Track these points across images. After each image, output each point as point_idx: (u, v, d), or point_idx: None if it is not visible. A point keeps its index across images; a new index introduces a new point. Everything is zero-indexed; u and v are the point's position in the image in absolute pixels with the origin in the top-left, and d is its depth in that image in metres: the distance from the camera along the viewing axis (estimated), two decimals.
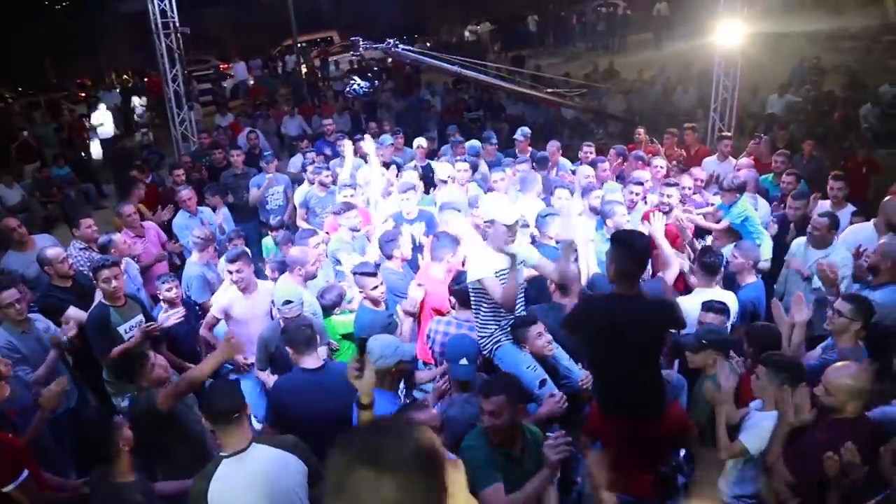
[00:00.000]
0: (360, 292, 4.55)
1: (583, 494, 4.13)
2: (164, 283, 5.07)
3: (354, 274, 4.57)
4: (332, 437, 1.31)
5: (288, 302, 4.33)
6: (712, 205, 6.30)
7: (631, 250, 3.21)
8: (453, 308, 4.39)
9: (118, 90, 20.80)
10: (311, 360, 3.68)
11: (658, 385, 3.38)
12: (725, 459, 3.41)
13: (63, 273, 5.02)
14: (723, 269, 4.99)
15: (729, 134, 8.45)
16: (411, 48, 12.55)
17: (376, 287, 4.44)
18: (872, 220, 5.55)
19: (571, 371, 4.09)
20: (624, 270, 3.23)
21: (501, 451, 2.94)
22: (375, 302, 4.49)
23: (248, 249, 5.93)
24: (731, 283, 5.07)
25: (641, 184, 6.38)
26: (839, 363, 3.08)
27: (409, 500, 1.18)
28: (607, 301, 3.35)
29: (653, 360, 3.37)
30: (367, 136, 6.75)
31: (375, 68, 20.15)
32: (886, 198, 5.43)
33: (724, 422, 3.37)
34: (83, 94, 22.18)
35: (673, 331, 3.70)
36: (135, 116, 16.54)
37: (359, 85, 16.10)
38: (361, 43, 9.87)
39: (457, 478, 1.38)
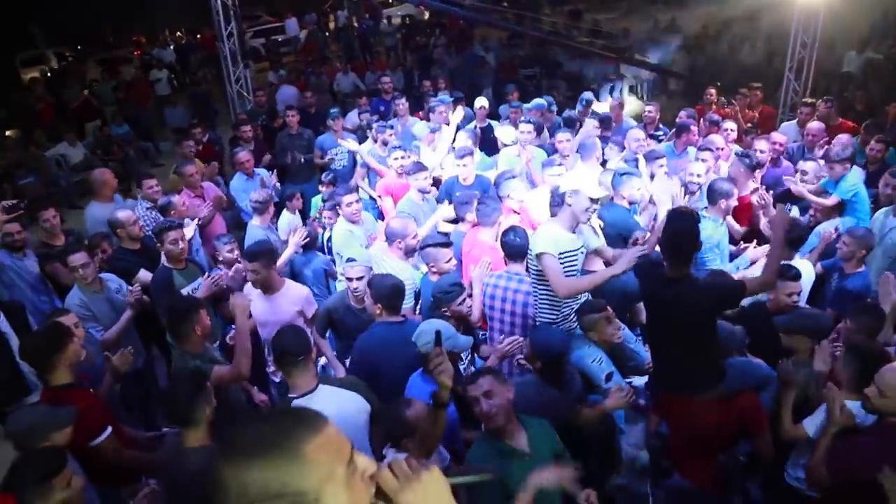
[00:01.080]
0: (430, 266, 4.28)
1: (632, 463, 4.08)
2: (225, 244, 5.04)
3: (424, 247, 4.35)
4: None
5: (351, 259, 4.27)
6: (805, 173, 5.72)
7: (671, 232, 3.12)
8: (506, 263, 4.25)
9: (172, 47, 20.91)
10: (395, 315, 3.72)
11: (707, 366, 3.24)
12: (786, 440, 3.25)
13: (134, 235, 5.08)
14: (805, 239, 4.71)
15: (811, 100, 7.84)
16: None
17: (449, 260, 4.23)
18: None
19: (638, 353, 3.97)
20: (669, 252, 3.14)
21: (503, 445, 2.67)
22: (443, 275, 4.28)
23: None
24: (834, 271, 4.70)
25: (711, 150, 6.07)
26: (893, 365, 2.76)
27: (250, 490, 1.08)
28: (658, 281, 3.24)
29: (699, 342, 3.20)
30: (458, 107, 6.55)
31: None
32: None
33: (790, 401, 3.24)
34: (137, 52, 22.47)
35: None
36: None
37: None
38: None
39: (413, 486, 1.20)
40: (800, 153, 6.60)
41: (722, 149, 6.25)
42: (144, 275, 4.84)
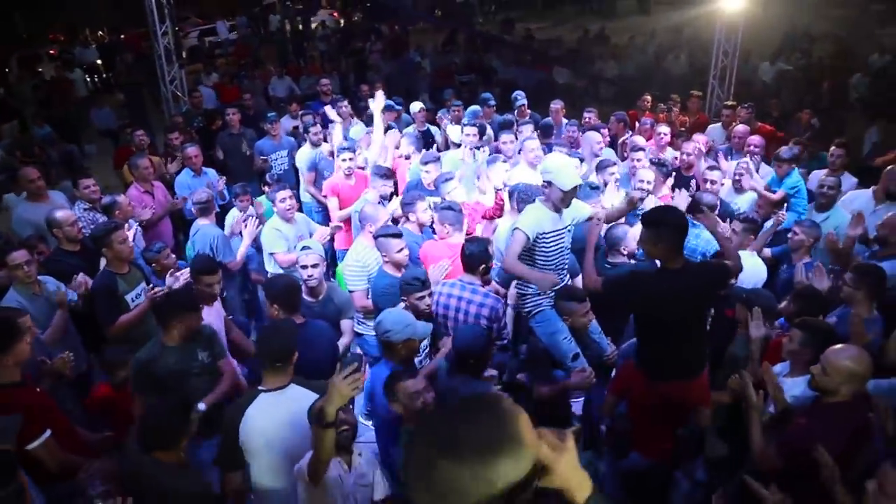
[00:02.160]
0: (383, 256, 4.42)
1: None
2: (158, 251, 4.83)
3: (377, 237, 4.44)
4: None
5: (306, 248, 4.32)
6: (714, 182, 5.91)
7: (673, 226, 3.25)
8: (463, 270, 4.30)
9: (94, 47, 20.08)
10: (294, 315, 3.79)
11: (703, 348, 3.49)
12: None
13: (72, 237, 4.88)
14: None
15: (732, 103, 8.39)
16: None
17: (401, 250, 4.33)
18: (871, 188, 5.67)
19: (600, 344, 4.15)
20: (671, 247, 3.26)
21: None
22: (398, 266, 4.37)
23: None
24: (781, 261, 5.07)
25: (643, 149, 6.39)
26: (839, 346, 2.93)
27: (489, 486, 1.13)
28: (660, 278, 3.35)
29: (703, 322, 3.44)
30: (378, 94, 6.52)
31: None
32: (889, 167, 5.52)
33: (750, 382, 3.29)
34: (53, 51, 21.41)
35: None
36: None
37: None
38: None
39: (564, 455, 1.30)
40: (728, 153, 7.03)
41: (643, 148, 6.54)
42: (83, 278, 4.62)
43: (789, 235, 4.93)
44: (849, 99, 12.45)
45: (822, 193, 5.37)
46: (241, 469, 3.08)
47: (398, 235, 4.40)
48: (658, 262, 3.39)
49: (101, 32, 23.79)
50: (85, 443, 3.44)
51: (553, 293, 4.03)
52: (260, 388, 3.07)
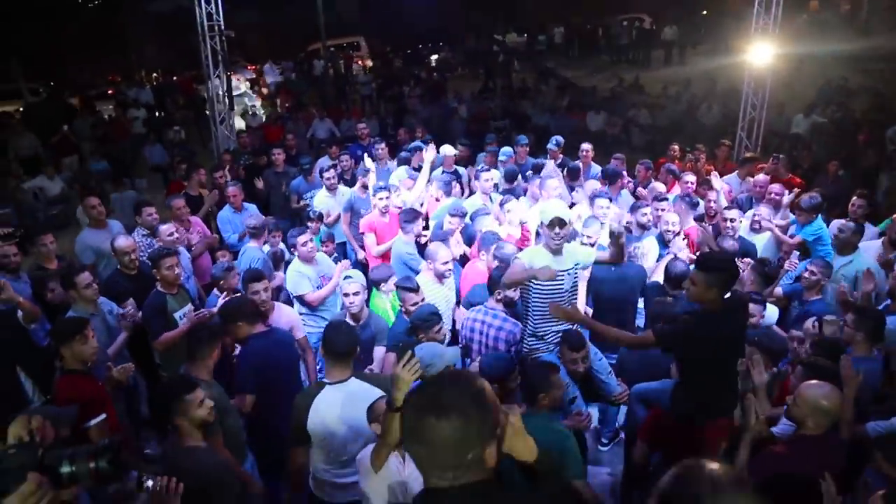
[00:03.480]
0: (401, 306, 4.72)
1: None
2: (226, 269, 5.25)
3: (398, 287, 4.73)
4: None
5: (348, 277, 4.68)
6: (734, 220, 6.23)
7: (731, 273, 3.50)
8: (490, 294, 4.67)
9: (148, 87, 21.21)
10: (259, 326, 4.26)
11: (736, 385, 3.64)
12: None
13: (128, 263, 5.28)
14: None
15: (754, 155, 8.55)
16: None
17: (416, 304, 4.53)
18: (881, 238, 5.83)
19: (609, 384, 4.28)
20: (724, 291, 3.46)
21: None
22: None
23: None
24: (795, 298, 5.25)
25: (666, 199, 6.64)
26: (814, 381, 3.10)
27: (465, 434, 1.49)
28: (708, 320, 3.47)
29: (737, 362, 3.62)
30: (430, 146, 7.09)
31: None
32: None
33: (754, 406, 3.43)
34: (111, 91, 22.67)
35: None
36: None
37: None
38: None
39: (514, 422, 1.84)
40: (748, 203, 7.21)
41: (666, 198, 6.76)
42: (132, 308, 4.91)
43: (804, 274, 5.10)
44: (885, 151, 12.44)
45: (835, 237, 5.51)
46: (305, 445, 3.43)
47: (415, 290, 4.63)
48: (699, 306, 3.52)
49: (155, 74, 25.03)
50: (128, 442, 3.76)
51: (553, 341, 4.24)
52: (325, 380, 3.46)
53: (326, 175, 7.37)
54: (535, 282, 4.11)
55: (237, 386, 4.05)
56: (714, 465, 1.40)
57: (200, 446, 3.27)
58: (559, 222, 4.07)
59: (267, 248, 6.25)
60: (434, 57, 26.58)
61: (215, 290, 5.25)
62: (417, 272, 5.47)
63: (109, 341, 4.69)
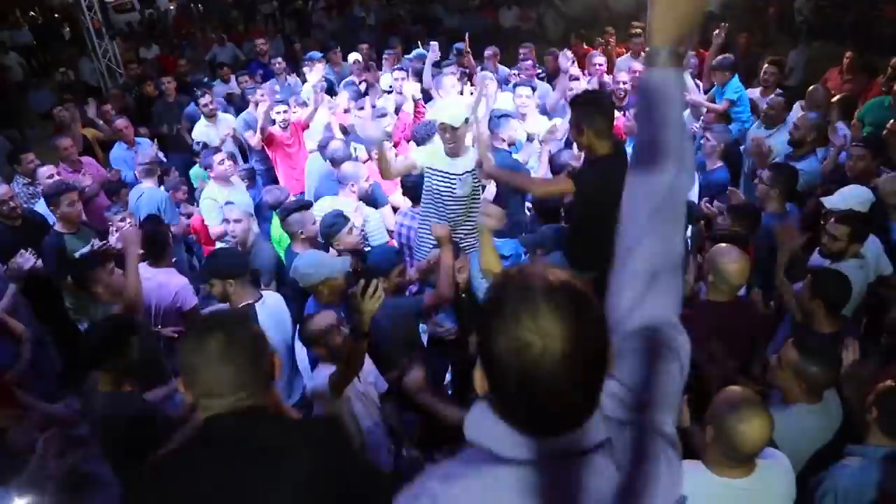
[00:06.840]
0: (300, 233, 4.11)
1: None
2: (116, 213, 4.83)
3: (286, 216, 4.20)
4: None
5: (230, 202, 4.43)
6: None
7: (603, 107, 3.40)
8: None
9: (26, 28, 19.29)
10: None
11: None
12: None
13: (10, 214, 4.80)
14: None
15: (638, 29, 8.29)
16: None
17: (315, 222, 4.13)
18: (798, 103, 5.83)
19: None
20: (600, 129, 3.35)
21: None
22: (313, 241, 4.19)
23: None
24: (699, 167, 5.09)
25: (578, 78, 6.51)
26: (725, 245, 3.05)
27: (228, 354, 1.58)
28: (620, 163, 3.25)
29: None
30: (317, 64, 6.74)
31: None
32: (812, 86, 5.76)
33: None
34: None
35: None
36: None
37: None
38: None
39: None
40: None
41: (578, 78, 6.64)
42: (23, 260, 4.34)
43: (701, 141, 5.09)
44: (794, 24, 12.54)
45: (765, 112, 5.49)
46: None
47: (308, 206, 4.28)
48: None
49: (32, 13, 22.75)
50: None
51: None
52: (248, 302, 3.36)
53: (203, 102, 6.62)
54: (429, 173, 4.11)
55: None
56: (541, 271, 1.08)
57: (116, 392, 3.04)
58: (447, 127, 3.91)
59: (199, 171, 5.92)
60: None
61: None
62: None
63: None
